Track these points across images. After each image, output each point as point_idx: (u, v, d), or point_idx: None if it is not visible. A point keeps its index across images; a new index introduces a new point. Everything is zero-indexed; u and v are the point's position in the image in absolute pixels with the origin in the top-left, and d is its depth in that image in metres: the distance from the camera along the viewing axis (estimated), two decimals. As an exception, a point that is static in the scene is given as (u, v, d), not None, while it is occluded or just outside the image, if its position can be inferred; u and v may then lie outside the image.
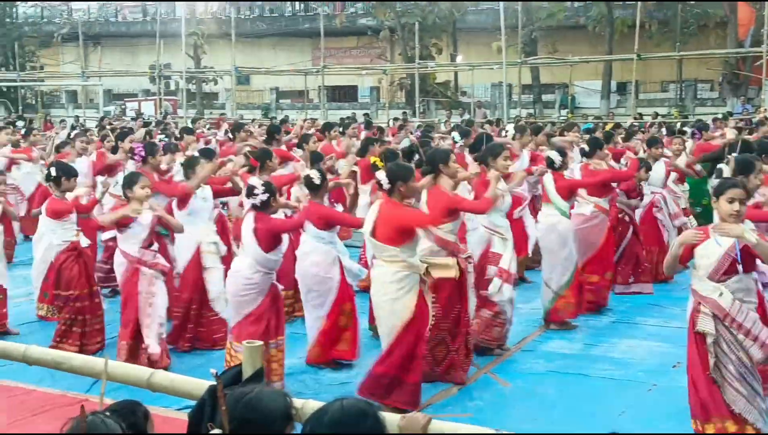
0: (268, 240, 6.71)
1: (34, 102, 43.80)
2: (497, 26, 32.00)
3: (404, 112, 33.23)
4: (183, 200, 8.19)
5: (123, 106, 41.23)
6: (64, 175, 8.02)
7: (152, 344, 7.23)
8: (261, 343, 3.71)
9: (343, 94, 46.14)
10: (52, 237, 8.02)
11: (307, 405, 3.18)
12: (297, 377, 7.25)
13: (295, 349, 7.58)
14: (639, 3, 32.27)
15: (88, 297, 7.93)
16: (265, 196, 6.66)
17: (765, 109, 24.82)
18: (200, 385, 3.56)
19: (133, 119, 28.53)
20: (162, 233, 8.10)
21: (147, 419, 3.15)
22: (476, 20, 42.07)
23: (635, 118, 25.75)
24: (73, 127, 19.95)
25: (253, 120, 28.27)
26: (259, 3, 48.92)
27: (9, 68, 42.99)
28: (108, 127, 19.53)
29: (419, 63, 35.71)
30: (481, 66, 37.11)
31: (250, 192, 6.78)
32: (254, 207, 6.75)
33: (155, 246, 7.63)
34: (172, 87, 44.60)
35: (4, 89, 42.30)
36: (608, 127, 16.56)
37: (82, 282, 7.91)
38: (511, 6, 34.79)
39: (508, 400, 6.93)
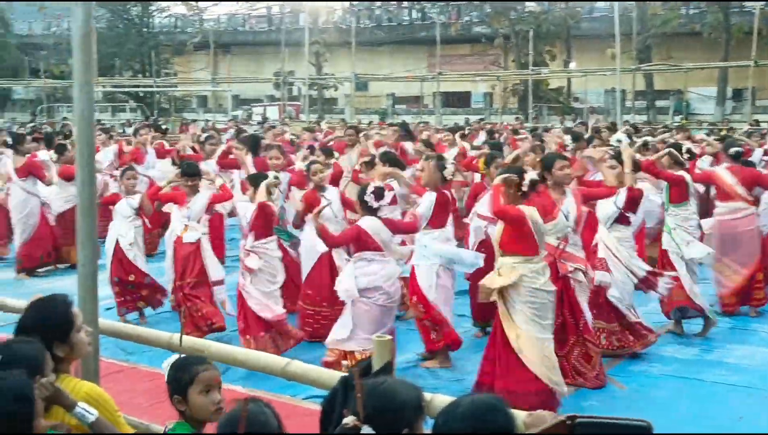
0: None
1: (168, 106, 44.81)
2: (611, 33, 31.32)
3: (517, 118, 33.42)
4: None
5: (249, 111, 42.85)
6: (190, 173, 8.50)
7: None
8: (390, 337, 3.84)
9: (457, 100, 46.07)
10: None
11: (436, 398, 3.22)
12: (413, 371, 7.17)
13: (408, 345, 7.63)
14: (757, 9, 31.87)
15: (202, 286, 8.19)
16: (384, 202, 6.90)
17: None
18: (333, 375, 3.72)
19: (258, 123, 29.84)
20: (285, 238, 8.61)
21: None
22: (590, 27, 41.88)
23: (750, 125, 25.40)
24: (203, 130, 20.79)
25: (370, 122, 29.04)
26: (378, 12, 49.43)
27: (145, 75, 44.36)
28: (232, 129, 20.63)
29: (533, 69, 35.88)
30: (595, 72, 36.96)
31: (379, 196, 6.88)
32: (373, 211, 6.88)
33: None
34: (295, 93, 45.47)
35: (141, 94, 43.85)
36: (723, 133, 16.64)
37: (188, 272, 8.20)
38: (626, 13, 34.56)
39: (622, 402, 6.67)
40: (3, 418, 2.60)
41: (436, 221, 7.38)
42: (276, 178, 7.93)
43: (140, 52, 45.67)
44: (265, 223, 7.64)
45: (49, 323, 3.33)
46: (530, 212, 6.07)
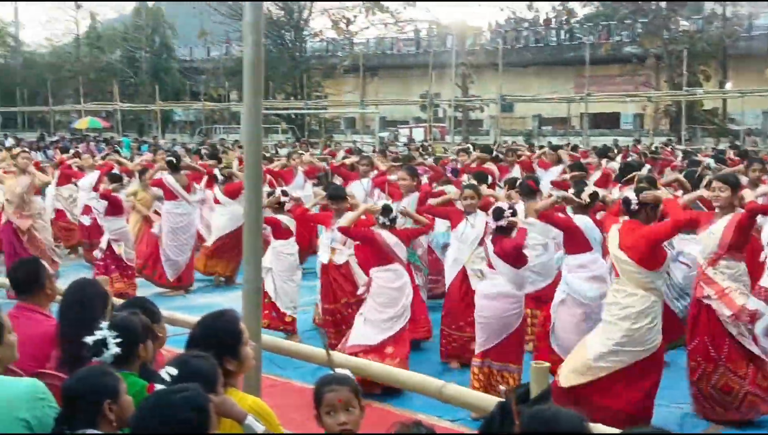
0: (518, 257, 6.80)
1: (317, 128, 45.61)
2: None
3: (669, 139, 32.62)
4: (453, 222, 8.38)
5: (396, 132, 43.29)
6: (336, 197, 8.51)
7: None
8: (548, 364, 3.76)
9: (606, 121, 45.43)
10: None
11: (595, 428, 3.16)
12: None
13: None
14: None
15: (347, 307, 8.27)
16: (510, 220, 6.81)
17: None
18: (489, 399, 3.69)
19: (405, 144, 30.26)
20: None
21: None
22: (748, 46, 40.72)
23: None
24: (351, 151, 21.18)
25: (513, 142, 28.93)
26: (526, 34, 49.26)
27: (297, 98, 45.34)
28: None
29: (686, 90, 34.94)
30: (753, 93, 35.57)
31: (499, 215, 6.80)
32: (499, 229, 6.81)
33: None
34: (440, 114, 45.59)
35: (293, 116, 44.90)
36: None
37: (340, 294, 8.32)
38: None
39: None
40: (182, 428, 2.69)
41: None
42: (386, 206, 7.75)
43: (292, 75, 46.88)
44: (372, 250, 7.62)
45: (220, 338, 3.47)
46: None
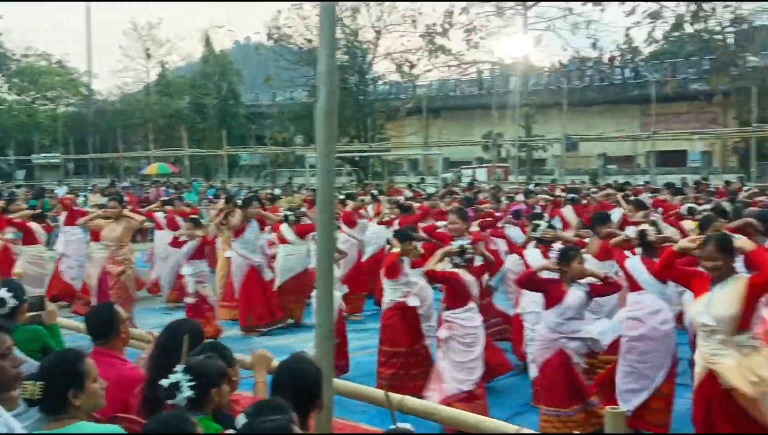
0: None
1: (381, 170, 46.01)
2: None
3: (740, 177, 32.13)
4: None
5: (459, 173, 43.16)
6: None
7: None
8: (625, 409, 3.92)
9: (672, 159, 44.78)
10: (387, 293, 8.55)
11: None
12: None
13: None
14: None
15: (413, 354, 8.26)
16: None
17: None
18: None
19: (468, 184, 30.25)
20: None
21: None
22: None
23: None
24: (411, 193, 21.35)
25: (582, 182, 28.77)
26: (590, 73, 49.27)
27: (360, 140, 45.50)
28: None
29: (755, 126, 34.36)
30: None
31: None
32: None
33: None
34: (503, 154, 45.53)
35: (357, 159, 44.87)
36: None
37: (406, 339, 8.27)
38: None
39: None
40: None
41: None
42: (462, 247, 7.64)
43: (356, 118, 46.85)
44: (454, 291, 7.55)
45: (304, 387, 3.70)
46: None
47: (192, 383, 3.60)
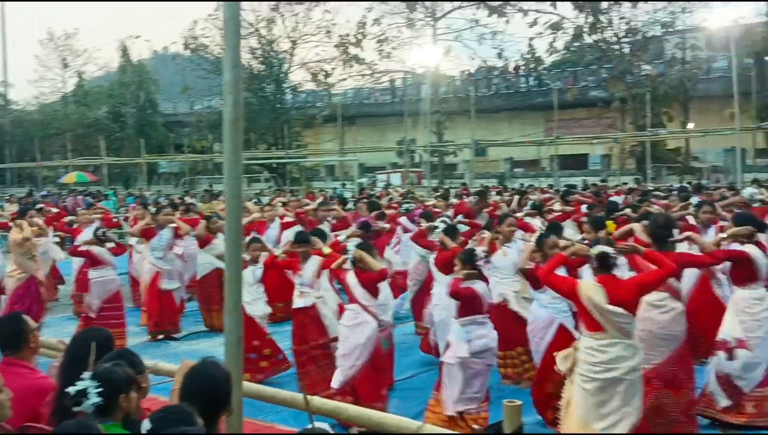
0: None
1: (298, 176, 46.05)
2: (729, 93, 30.78)
3: (636, 179, 33.17)
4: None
5: (374, 178, 43.70)
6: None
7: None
8: (520, 402, 3.86)
9: (575, 162, 45.92)
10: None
11: None
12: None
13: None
14: None
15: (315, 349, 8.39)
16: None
17: None
18: None
19: (383, 189, 30.37)
20: None
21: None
22: (707, 88, 41.28)
23: None
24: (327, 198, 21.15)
25: (488, 187, 29.20)
26: (496, 81, 49.91)
27: (278, 147, 45.68)
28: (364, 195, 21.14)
29: (650, 131, 35.30)
30: (714, 132, 36.07)
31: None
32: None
33: None
34: (417, 160, 45.86)
35: (274, 166, 45.04)
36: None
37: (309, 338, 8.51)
38: (744, 73, 34.05)
39: None
40: None
41: None
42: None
43: (273, 126, 47.20)
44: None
45: (216, 393, 3.64)
46: None
47: (99, 390, 3.52)
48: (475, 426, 6.67)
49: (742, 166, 32.20)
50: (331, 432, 3.29)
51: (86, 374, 3.58)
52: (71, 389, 3.52)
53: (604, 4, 40.89)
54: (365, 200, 16.32)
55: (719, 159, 40.81)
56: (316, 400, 4.62)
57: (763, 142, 38.62)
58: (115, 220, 17.25)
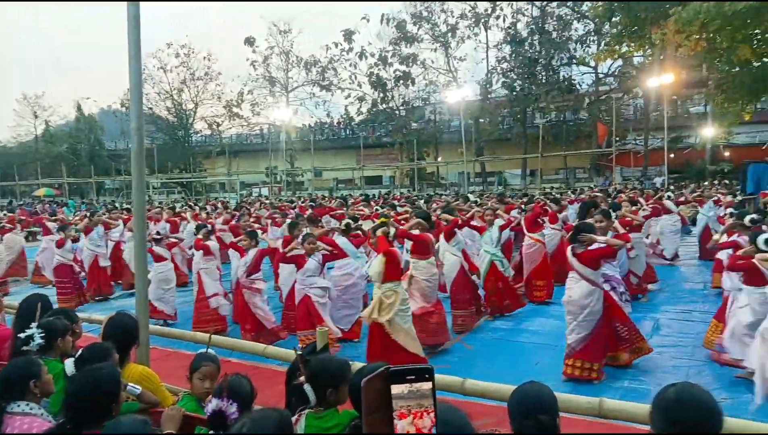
0: None
1: (201, 190, 45.33)
2: (460, 139, 30.46)
3: (409, 190, 34.39)
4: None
5: (251, 191, 43.41)
6: None
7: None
8: (327, 328, 3.63)
9: (374, 180, 45.87)
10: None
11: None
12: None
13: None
14: (541, 124, 33.08)
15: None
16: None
17: (616, 183, 25.73)
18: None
19: (257, 198, 29.87)
20: None
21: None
22: (450, 137, 41.79)
23: (541, 191, 25.06)
24: (225, 206, 19.24)
25: (324, 196, 28.84)
26: (327, 130, 48.87)
27: (187, 171, 44.32)
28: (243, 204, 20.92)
29: (417, 162, 36.91)
30: (452, 163, 37.62)
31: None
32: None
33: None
34: (278, 179, 45.19)
35: (185, 183, 44.31)
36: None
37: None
38: (468, 128, 34.94)
39: (470, 357, 6.54)
40: (103, 391, 2.38)
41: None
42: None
43: (183, 157, 46.05)
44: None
45: (127, 333, 3.32)
46: None
47: (42, 335, 3.15)
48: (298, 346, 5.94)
49: (467, 183, 33.37)
50: (213, 353, 3.00)
51: (33, 325, 3.23)
52: (21, 335, 3.19)
53: (390, 85, 41.86)
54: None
55: (455, 178, 42.09)
56: (215, 338, 3.85)
57: (479, 168, 40.16)
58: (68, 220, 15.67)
